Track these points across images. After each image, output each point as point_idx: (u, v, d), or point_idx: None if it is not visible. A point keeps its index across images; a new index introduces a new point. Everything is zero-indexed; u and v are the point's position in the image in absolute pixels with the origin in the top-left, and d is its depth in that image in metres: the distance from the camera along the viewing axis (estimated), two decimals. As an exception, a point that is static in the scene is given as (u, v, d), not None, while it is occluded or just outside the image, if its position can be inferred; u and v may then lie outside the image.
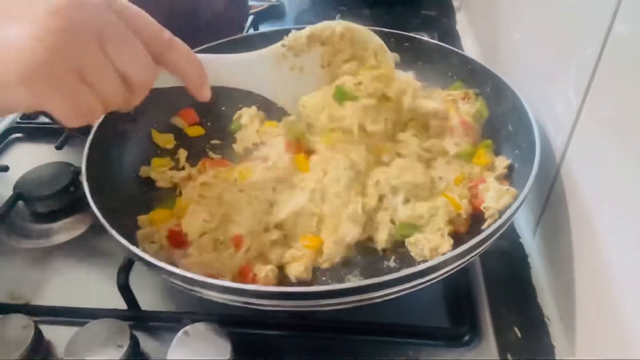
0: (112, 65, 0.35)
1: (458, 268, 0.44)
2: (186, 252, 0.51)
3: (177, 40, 0.40)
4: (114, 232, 0.45)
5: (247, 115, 0.69)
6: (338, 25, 0.55)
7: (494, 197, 0.52)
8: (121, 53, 0.35)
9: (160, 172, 0.62)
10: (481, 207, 0.53)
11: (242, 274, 0.50)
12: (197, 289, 0.43)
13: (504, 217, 0.45)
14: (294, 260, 0.51)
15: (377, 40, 0.56)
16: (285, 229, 0.53)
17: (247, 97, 0.62)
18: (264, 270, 0.50)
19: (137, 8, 0.38)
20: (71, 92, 0.33)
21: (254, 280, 0.49)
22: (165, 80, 0.42)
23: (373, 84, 0.54)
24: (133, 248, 0.44)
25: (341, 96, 0.54)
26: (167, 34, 0.39)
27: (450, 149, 0.58)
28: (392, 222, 0.54)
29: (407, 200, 0.54)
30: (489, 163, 0.58)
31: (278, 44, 0.54)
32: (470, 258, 0.44)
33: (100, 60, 0.34)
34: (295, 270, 0.51)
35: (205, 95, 0.44)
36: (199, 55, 0.43)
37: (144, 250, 0.48)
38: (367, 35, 0.56)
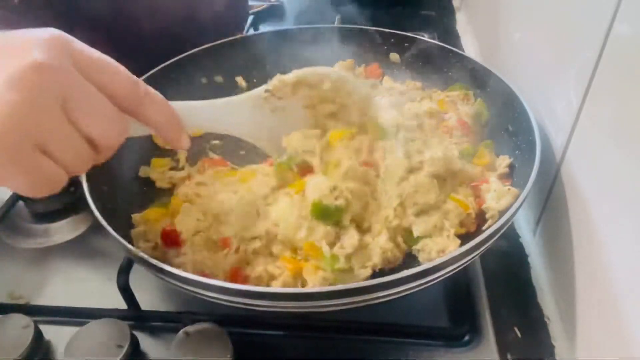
0: (77, 130, 0.33)
1: (459, 268, 0.44)
2: (179, 251, 0.51)
3: (151, 91, 0.38)
4: (112, 232, 0.45)
5: None
6: (327, 76, 0.53)
7: (495, 197, 0.52)
8: (86, 115, 0.33)
9: (159, 172, 0.62)
10: (482, 207, 0.53)
11: (233, 275, 0.49)
12: (191, 288, 0.43)
13: (505, 217, 0.45)
14: (272, 277, 0.49)
15: (365, 92, 0.55)
16: (268, 240, 0.51)
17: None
18: (257, 272, 0.49)
19: (105, 58, 0.35)
20: (30, 166, 0.31)
21: (245, 281, 0.48)
22: (138, 130, 0.40)
23: (349, 184, 0.51)
24: (132, 248, 0.44)
25: (320, 213, 0.50)
26: (140, 87, 0.37)
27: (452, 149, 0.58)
28: (393, 238, 0.51)
29: (418, 214, 0.52)
30: (489, 163, 0.58)
31: (261, 89, 0.52)
32: (472, 258, 0.44)
33: (63, 129, 0.32)
34: (275, 285, 0.48)
35: (184, 145, 0.42)
36: (174, 104, 0.41)
37: (138, 248, 0.48)
38: (355, 87, 0.54)
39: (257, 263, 0.50)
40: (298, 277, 0.49)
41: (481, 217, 0.53)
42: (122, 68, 0.36)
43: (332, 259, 0.49)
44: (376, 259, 0.49)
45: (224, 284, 0.41)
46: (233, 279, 0.48)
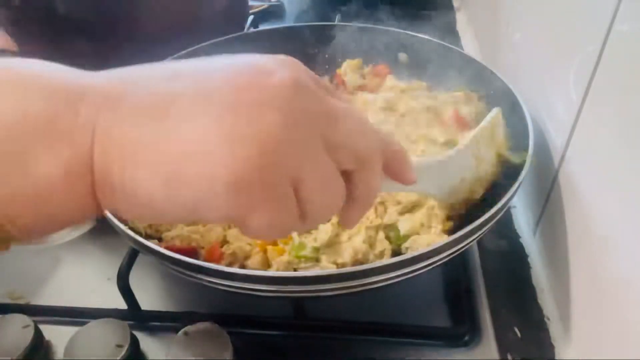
0: (336, 166, 0.26)
1: (451, 256, 0.44)
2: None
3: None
4: (114, 219, 0.45)
5: None
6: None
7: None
8: (346, 151, 0.26)
9: None
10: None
11: (210, 251, 0.50)
12: (190, 272, 0.43)
13: (499, 204, 0.44)
14: (246, 255, 0.50)
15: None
16: None
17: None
18: (231, 249, 0.50)
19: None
20: (281, 204, 0.25)
21: (220, 258, 0.49)
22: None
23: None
24: (138, 237, 0.44)
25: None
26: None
27: (437, 137, 0.58)
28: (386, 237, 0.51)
29: (402, 213, 0.52)
30: None
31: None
32: (464, 246, 0.44)
33: (325, 163, 0.26)
34: (251, 264, 0.49)
35: (413, 178, 0.33)
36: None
37: (135, 226, 0.49)
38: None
39: (234, 239, 0.51)
40: (264, 252, 0.50)
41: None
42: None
43: (299, 246, 0.49)
44: (346, 257, 0.49)
45: (202, 264, 0.42)
46: (209, 255, 0.49)
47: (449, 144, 0.57)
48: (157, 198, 0.24)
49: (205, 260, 0.49)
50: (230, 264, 0.49)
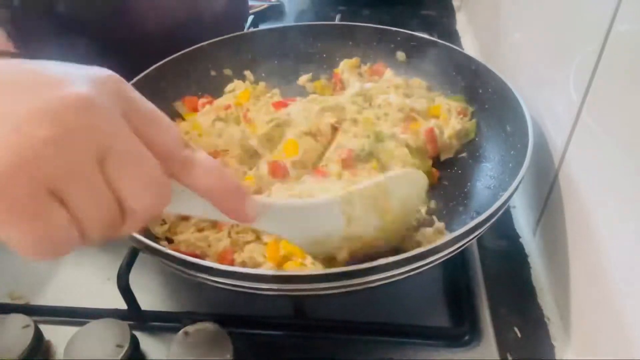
0: (109, 186, 0.26)
1: (451, 255, 0.44)
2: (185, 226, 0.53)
3: (202, 155, 0.32)
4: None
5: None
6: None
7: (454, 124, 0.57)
8: (126, 173, 0.26)
9: None
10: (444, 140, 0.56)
11: (222, 257, 0.50)
12: (191, 272, 0.43)
13: (499, 202, 0.44)
14: (256, 265, 0.50)
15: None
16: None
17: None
18: (242, 257, 0.50)
19: (158, 112, 0.30)
20: (38, 215, 0.24)
21: (231, 265, 0.49)
22: (182, 205, 0.32)
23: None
24: (138, 236, 0.44)
25: None
26: (189, 147, 0.31)
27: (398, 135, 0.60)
28: None
29: None
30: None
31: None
32: (465, 244, 0.44)
33: (92, 180, 0.25)
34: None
35: (250, 217, 0.34)
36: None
37: (154, 232, 0.51)
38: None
39: (247, 249, 0.51)
40: (280, 267, 0.49)
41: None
42: (173, 125, 0.30)
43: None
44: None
45: (215, 265, 0.41)
46: (221, 262, 0.49)
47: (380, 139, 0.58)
48: None
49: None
50: None
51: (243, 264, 0.50)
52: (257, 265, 0.50)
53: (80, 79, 0.26)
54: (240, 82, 0.74)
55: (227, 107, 0.68)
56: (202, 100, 0.71)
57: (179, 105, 0.70)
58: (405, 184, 0.45)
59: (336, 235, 0.41)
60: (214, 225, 0.54)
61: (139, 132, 0.28)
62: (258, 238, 0.52)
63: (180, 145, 0.30)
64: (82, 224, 0.26)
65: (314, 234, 0.41)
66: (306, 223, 0.40)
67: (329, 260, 0.43)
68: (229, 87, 0.74)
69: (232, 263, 0.50)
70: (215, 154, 0.61)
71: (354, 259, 0.42)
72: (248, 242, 0.52)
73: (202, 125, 0.65)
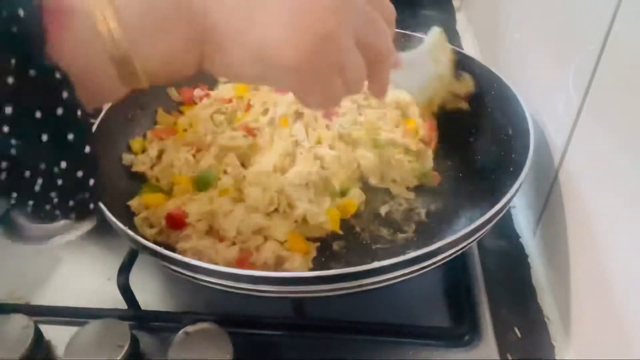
0: (361, 52, 0.35)
1: (451, 257, 0.44)
2: (181, 235, 0.52)
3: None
4: (118, 223, 0.45)
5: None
6: None
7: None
8: (371, 39, 0.35)
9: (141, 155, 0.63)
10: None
11: (239, 264, 0.50)
12: (191, 274, 0.43)
13: (499, 205, 0.44)
14: (281, 260, 0.51)
15: None
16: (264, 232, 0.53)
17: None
18: (263, 258, 0.50)
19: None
20: (328, 85, 0.34)
21: (252, 268, 0.49)
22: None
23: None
24: (139, 238, 0.44)
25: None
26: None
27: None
28: None
29: None
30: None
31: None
32: (465, 247, 0.44)
33: (357, 57, 0.35)
34: (291, 266, 0.50)
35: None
36: None
37: (143, 234, 0.50)
38: None
39: (264, 249, 0.51)
40: (309, 256, 0.52)
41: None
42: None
43: None
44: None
45: (217, 268, 0.42)
46: (239, 265, 0.49)
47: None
48: (245, 72, 0.33)
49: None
50: None
51: (265, 266, 0.50)
52: (284, 260, 0.51)
53: None
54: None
55: (229, 101, 0.68)
56: (197, 92, 0.70)
57: (172, 91, 0.70)
58: (443, 36, 0.55)
59: (430, 77, 0.53)
60: (214, 234, 0.53)
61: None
62: (267, 239, 0.52)
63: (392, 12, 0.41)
64: (350, 86, 0.35)
65: (421, 80, 0.52)
66: (416, 71, 0.51)
67: (429, 105, 0.54)
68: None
69: (253, 267, 0.49)
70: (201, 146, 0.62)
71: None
72: (258, 246, 0.52)
73: (200, 118, 0.65)
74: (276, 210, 0.54)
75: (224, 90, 0.71)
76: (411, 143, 0.61)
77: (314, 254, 0.53)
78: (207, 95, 0.70)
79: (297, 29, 0.31)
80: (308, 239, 0.54)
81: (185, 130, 0.65)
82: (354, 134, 0.62)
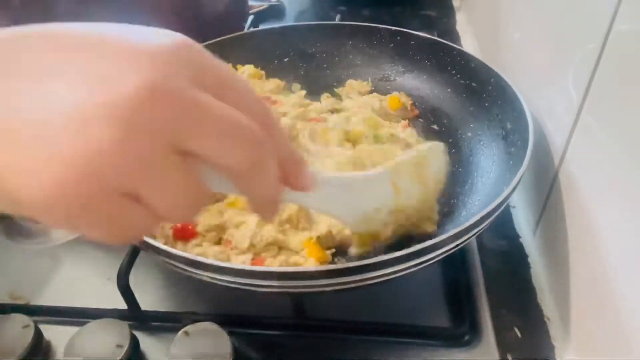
0: (192, 167, 0.25)
1: (451, 252, 0.44)
2: (189, 244, 0.51)
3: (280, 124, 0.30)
4: None
5: None
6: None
7: None
8: (209, 141, 0.24)
9: None
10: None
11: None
12: (190, 269, 0.43)
13: (498, 200, 0.44)
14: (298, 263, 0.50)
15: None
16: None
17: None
18: (277, 262, 0.49)
19: (237, 74, 0.28)
20: (116, 216, 0.24)
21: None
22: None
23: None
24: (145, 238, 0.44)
25: None
26: (274, 113, 0.30)
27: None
28: None
29: None
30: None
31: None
32: (464, 242, 0.44)
33: (169, 172, 0.24)
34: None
35: (308, 185, 0.32)
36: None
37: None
38: None
39: (278, 257, 0.50)
40: (324, 263, 0.50)
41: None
42: (252, 87, 0.28)
43: None
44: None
45: (220, 264, 0.41)
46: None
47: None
48: None
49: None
50: None
51: None
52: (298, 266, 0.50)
53: (152, 58, 0.24)
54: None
55: None
56: None
57: None
58: (436, 155, 0.47)
59: (385, 208, 0.42)
60: (226, 243, 0.52)
61: (221, 96, 0.25)
62: (281, 248, 0.52)
63: (266, 111, 0.28)
64: (161, 211, 0.25)
65: (365, 209, 0.41)
66: (359, 197, 0.40)
67: (371, 240, 0.44)
68: None
69: None
70: None
71: (394, 236, 0.44)
72: (274, 256, 0.51)
73: None
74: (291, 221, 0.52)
75: None
76: (410, 135, 0.61)
77: (329, 260, 0.51)
78: None
79: (54, 145, 0.22)
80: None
81: None
82: (356, 130, 0.62)
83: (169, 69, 0.24)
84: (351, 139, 0.62)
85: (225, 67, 0.27)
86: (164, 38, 0.25)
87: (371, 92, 0.73)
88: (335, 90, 0.75)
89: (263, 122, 0.27)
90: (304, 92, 0.73)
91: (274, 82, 0.74)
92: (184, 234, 0.52)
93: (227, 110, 0.25)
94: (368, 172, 0.42)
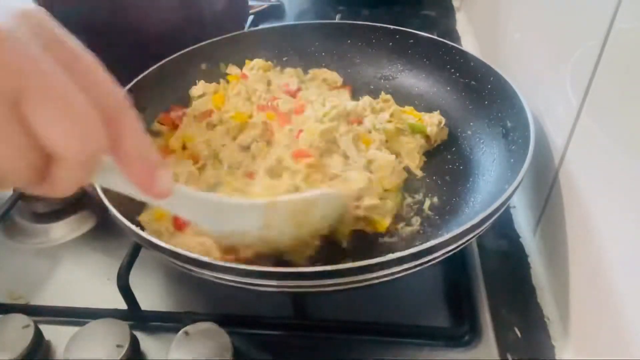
0: (28, 130, 0.23)
1: (451, 253, 0.44)
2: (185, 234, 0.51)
3: (133, 111, 0.28)
4: (119, 215, 0.45)
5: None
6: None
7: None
8: (46, 111, 0.23)
9: None
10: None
11: (227, 252, 0.48)
12: (193, 268, 0.43)
13: (499, 201, 0.44)
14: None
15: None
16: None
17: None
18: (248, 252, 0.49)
19: (79, 44, 0.26)
20: None
21: (237, 259, 0.47)
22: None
23: None
24: (139, 230, 0.44)
25: None
26: (124, 95, 0.28)
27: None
28: None
29: None
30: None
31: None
32: (464, 243, 0.44)
33: (6, 128, 0.23)
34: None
35: (164, 192, 0.30)
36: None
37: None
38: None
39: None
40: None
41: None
42: (99, 63, 0.27)
43: None
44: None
45: (223, 264, 0.41)
46: (227, 258, 0.48)
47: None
48: None
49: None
50: None
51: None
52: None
53: None
54: (205, 83, 0.71)
55: (209, 114, 0.65)
56: (174, 114, 0.66)
57: (154, 126, 0.66)
58: (328, 204, 0.48)
59: (250, 235, 0.44)
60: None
61: (65, 67, 0.24)
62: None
63: (116, 92, 0.27)
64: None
65: (231, 229, 0.43)
66: (227, 218, 0.42)
67: (230, 251, 0.46)
68: (195, 90, 0.70)
69: (237, 258, 0.48)
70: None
71: (255, 257, 0.46)
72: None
73: (194, 135, 0.62)
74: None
75: (200, 104, 0.68)
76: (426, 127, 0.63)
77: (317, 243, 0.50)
78: (184, 113, 0.66)
79: None
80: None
81: (184, 148, 0.62)
82: (389, 127, 0.62)
83: (22, 24, 0.23)
84: (389, 136, 0.62)
85: (78, 42, 0.26)
86: (17, 3, 0.24)
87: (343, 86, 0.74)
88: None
89: (111, 105, 0.26)
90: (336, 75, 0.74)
91: (289, 73, 0.74)
92: (181, 224, 0.52)
93: (72, 92, 0.24)
94: (242, 201, 0.45)
